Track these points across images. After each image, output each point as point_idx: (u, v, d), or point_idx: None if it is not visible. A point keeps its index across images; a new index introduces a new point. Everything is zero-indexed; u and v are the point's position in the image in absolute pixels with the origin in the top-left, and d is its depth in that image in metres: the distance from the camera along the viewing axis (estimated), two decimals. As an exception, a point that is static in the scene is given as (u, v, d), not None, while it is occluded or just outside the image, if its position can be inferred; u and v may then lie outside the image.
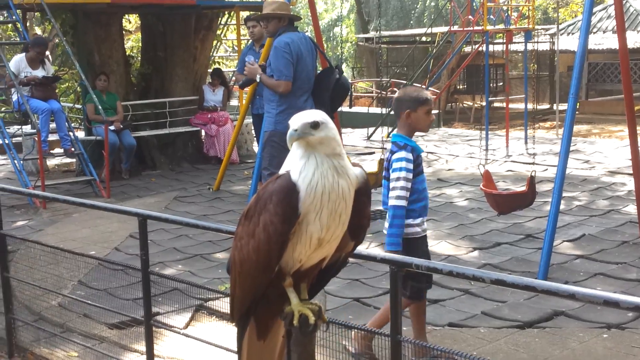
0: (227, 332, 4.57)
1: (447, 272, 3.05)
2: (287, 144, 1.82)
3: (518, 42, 17.92)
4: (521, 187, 8.04)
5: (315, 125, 1.83)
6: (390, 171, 4.35)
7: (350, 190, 1.80)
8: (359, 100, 23.11)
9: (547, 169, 10.63)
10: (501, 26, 14.23)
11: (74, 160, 11.20)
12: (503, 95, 16.62)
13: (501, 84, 21.93)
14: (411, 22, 33.66)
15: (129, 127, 10.87)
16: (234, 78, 11.12)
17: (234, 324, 1.89)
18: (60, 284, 5.78)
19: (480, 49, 15.78)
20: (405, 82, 19.16)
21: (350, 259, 5.46)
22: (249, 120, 10.55)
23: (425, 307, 4.61)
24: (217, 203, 9.12)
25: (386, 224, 4.40)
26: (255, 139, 10.59)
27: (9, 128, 10.18)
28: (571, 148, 6.42)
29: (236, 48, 13.50)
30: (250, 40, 9.68)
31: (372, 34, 24.73)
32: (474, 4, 15.42)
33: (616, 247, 6.72)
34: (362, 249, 6.73)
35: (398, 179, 4.28)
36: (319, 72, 7.18)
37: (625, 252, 6.59)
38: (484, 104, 14.33)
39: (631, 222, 7.40)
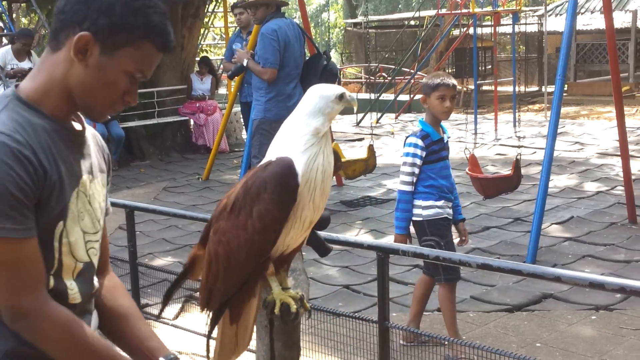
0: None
1: (433, 257, 3.07)
2: (331, 110, 1.76)
3: (506, 25, 17.90)
4: (507, 171, 8.04)
5: (341, 97, 1.80)
6: None
7: (332, 165, 1.78)
8: (348, 86, 23.04)
9: (535, 152, 10.65)
10: (489, 8, 14.22)
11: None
12: (492, 78, 16.62)
13: (490, 66, 21.93)
14: (399, 6, 33.61)
15: (117, 117, 10.83)
16: (222, 66, 11.07)
17: (207, 312, 1.87)
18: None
19: (468, 31, 15.78)
20: (393, 67, 19.14)
21: (340, 246, 5.50)
22: (237, 108, 10.52)
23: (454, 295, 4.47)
24: (206, 193, 9.10)
25: None
26: (244, 127, 10.57)
27: None
28: (560, 130, 6.46)
29: (224, 36, 13.44)
30: (238, 28, 9.65)
31: (360, 18, 24.65)
32: (461, -13, 15.38)
33: (604, 229, 6.75)
34: (351, 235, 6.76)
35: (404, 163, 4.38)
36: (307, 58, 7.17)
37: (613, 233, 6.61)
38: (472, 87, 14.34)
39: (619, 203, 7.43)
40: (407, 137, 4.47)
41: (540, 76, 21.54)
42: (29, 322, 1.62)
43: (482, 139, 12.38)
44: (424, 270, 4.59)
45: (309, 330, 4.13)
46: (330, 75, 7.04)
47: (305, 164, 1.71)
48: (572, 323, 4.76)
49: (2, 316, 1.63)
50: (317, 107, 1.76)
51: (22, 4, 12.71)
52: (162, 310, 1.90)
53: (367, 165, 8.12)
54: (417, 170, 4.34)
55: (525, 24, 21.07)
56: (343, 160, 8.16)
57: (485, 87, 19.61)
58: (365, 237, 6.85)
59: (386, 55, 23.85)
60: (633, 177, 7.05)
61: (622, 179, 7.04)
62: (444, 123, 4.53)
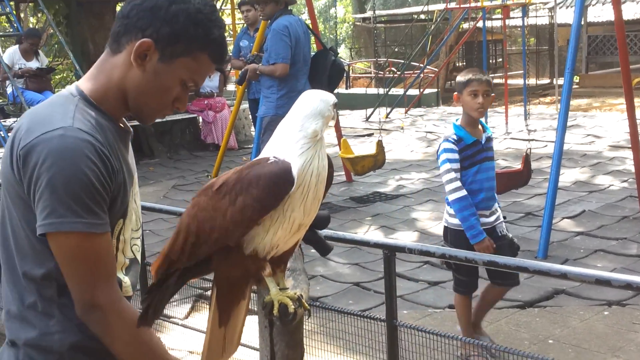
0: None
1: (439, 254, 3.04)
2: (318, 124, 1.74)
3: (516, 17, 17.78)
4: (517, 166, 7.98)
5: (335, 105, 1.81)
6: None
7: (326, 169, 1.77)
8: (357, 81, 23.01)
9: (546, 145, 10.56)
10: (498, 2, 14.12)
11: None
12: (502, 71, 16.52)
13: (500, 59, 21.80)
14: (409, 0, 33.46)
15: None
16: (229, 63, 11.06)
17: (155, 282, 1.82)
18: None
19: (477, 25, 15.69)
20: (403, 61, 19.07)
21: (349, 244, 5.46)
22: (245, 105, 10.50)
23: (469, 302, 4.30)
24: (215, 190, 9.07)
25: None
26: (252, 123, 10.54)
27: (4, 121, 10.14)
28: (571, 123, 6.38)
29: (231, 33, 13.41)
30: (245, 25, 9.63)
31: (369, 13, 24.57)
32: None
33: (616, 223, 6.68)
34: (358, 233, 6.72)
35: (443, 172, 4.12)
36: (313, 54, 7.15)
37: (625, 227, 6.55)
38: (482, 81, 14.23)
39: (631, 196, 7.35)
40: (440, 143, 4.22)
41: (552, 69, 21.42)
42: (100, 314, 1.67)
43: (492, 132, 12.28)
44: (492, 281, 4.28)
45: (317, 329, 4.11)
46: (338, 70, 7.03)
47: (301, 168, 1.70)
48: (585, 319, 4.71)
49: (75, 307, 1.68)
50: (317, 110, 1.76)
51: (29, 4, 12.71)
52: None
53: (376, 161, 8.06)
54: (457, 174, 4.05)
55: (536, 16, 20.95)
56: (352, 156, 8.12)
57: (495, 80, 19.45)
58: (375, 234, 6.82)
59: (395, 50, 23.74)
60: (645, 170, 6.97)
61: (634, 171, 6.96)
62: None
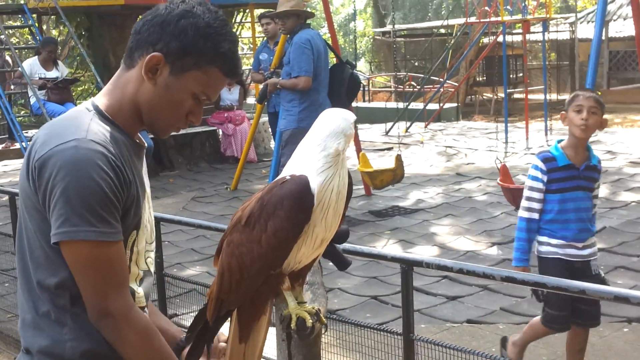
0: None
1: (457, 270, 3.03)
2: (337, 144, 1.76)
3: (537, 32, 17.76)
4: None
5: (355, 123, 1.83)
6: None
7: (346, 186, 1.79)
8: (377, 95, 23.03)
9: (567, 161, 10.49)
10: (519, 16, 14.10)
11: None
12: (522, 86, 16.47)
13: (521, 74, 21.75)
14: (429, 14, 33.51)
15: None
16: (249, 77, 11.12)
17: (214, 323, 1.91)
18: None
19: (498, 39, 15.66)
20: (422, 75, 19.08)
21: (367, 258, 5.45)
22: (265, 118, 10.54)
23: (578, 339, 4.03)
24: (235, 203, 9.11)
25: None
26: (272, 136, 10.58)
27: (26, 132, 10.24)
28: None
29: (252, 46, 13.49)
30: (265, 38, 9.68)
31: (388, 27, 24.64)
32: (491, -5, 15.28)
33: (637, 240, 6.63)
34: (377, 246, 6.71)
35: (525, 187, 3.97)
36: (331, 67, 7.19)
37: (646, 244, 6.49)
38: (503, 95, 14.21)
39: (653, 213, 7.29)
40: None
41: (572, 84, 21.33)
42: (112, 322, 1.70)
43: (512, 147, 12.25)
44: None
45: (335, 342, 4.10)
46: (356, 83, 7.07)
47: (321, 185, 1.72)
48: (604, 335, 4.67)
49: (88, 314, 1.71)
50: (340, 129, 1.79)
51: (51, 17, 12.87)
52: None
53: (395, 175, 8.07)
54: (536, 195, 3.85)
55: (557, 31, 20.91)
56: (371, 170, 8.13)
57: (516, 95, 19.44)
58: (394, 248, 6.81)
59: (415, 64, 23.78)
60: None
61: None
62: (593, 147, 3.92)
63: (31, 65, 10.17)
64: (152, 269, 1.94)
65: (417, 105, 17.10)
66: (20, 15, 12.08)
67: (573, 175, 3.84)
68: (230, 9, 12.44)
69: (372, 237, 7.17)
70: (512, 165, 9.40)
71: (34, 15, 11.47)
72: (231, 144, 11.93)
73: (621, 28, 21.27)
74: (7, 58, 12.86)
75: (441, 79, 17.88)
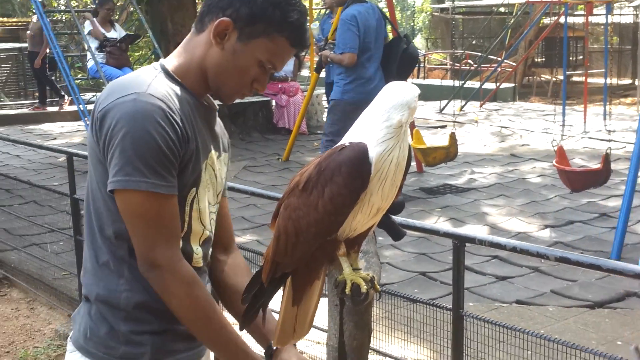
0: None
1: (510, 248, 2.98)
2: (403, 113, 1.76)
3: (599, 14, 17.30)
4: (596, 165, 7.79)
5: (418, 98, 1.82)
6: None
7: (406, 158, 1.78)
8: (432, 73, 22.79)
9: (625, 147, 10.28)
10: (582, -3, 13.76)
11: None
12: (582, 69, 16.11)
13: (581, 57, 21.26)
14: (489, -8, 32.91)
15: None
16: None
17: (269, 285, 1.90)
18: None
19: (559, 20, 15.32)
20: (480, 54, 18.80)
21: (417, 233, 5.44)
22: (319, 90, 10.54)
23: None
24: (285, 173, 9.15)
25: None
26: (325, 109, 10.58)
27: (84, 95, 10.40)
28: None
29: (308, 17, 13.46)
30: (328, 10, 9.67)
31: (447, 3, 24.27)
32: (555, -26, 14.93)
33: None
34: (428, 222, 6.69)
35: None
36: (388, 41, 7.12)
37: None
38: (562, 77, 13.94)
39: None
40: None
41: (634, 69, 20.78)
42: (159, 273, 1.74)
43: (569, 131, 12.02)
44: None
45: (383, 315, 4.11)
46: (410, 59, 6.99)
47: (380, 154, 1.71)
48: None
49: (137, 264, 1.76)
50: (405, 100, 1.76)
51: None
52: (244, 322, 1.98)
53: (449, 153, 8.00)
54: None
55: (620, 14, 20.34)
56: (424, 147, 8.07)
57: (575, 78, 19.05)
58: (444, 225, 6.76)
59: (473, 42, 23.41)
60: None
61: None
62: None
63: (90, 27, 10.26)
64: (214, 231, 1.96)
65: (473, 84, 16.88)
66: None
67: None
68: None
69: (422, 214, 7.13)
70: (568, 149, 9.22)
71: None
72: (284, 115, 11.95)
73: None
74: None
75: (499, 59, 17.60)
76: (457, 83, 14.56)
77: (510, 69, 18.02)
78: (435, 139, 10.55)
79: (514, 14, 19.48)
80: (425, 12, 33.82)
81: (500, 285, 5.31)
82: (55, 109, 14.50)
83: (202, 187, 1.85)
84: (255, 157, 10.35)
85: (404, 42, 6.93)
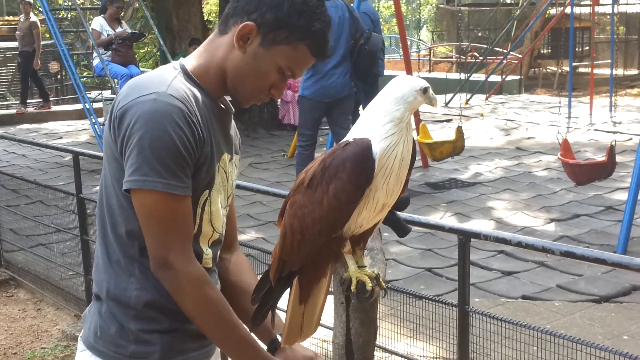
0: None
1: (515, 243, 2.98)
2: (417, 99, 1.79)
3: (605, 4, 17.22)
4: (601, 157, 7.78)
5: (425, 91, 1.84)
6: None
7: (410, 154, 1.79)
8: (438, 66, 22.74)
9: (631, 138, 10.24)
10: (587, -12, 13.71)
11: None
12: (588, 60, 16.05)
13: (587, 48, 21.18)
14: (494, -16, 32.80)
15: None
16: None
17: (276, 284, 1.93)
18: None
19: (565, 11, 15.27)
20: (486, 46, 18.74)
21: (422, 229, 5.44)
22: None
23: None
24: (291, 170, 9.15)
25: None
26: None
27: (89, 93, 10.41)
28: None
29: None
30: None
31: (453, -4, 24.22)
32: (560, -35, 14.89)
33: None
34: (434, 218, 6.69)
35: None
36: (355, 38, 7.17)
37: None
38: (567, 69, 13.88)
39: None
40: None
41: (641, 59, 20.69)
42: (171, 274, 1.75)
43: (575, 123, 11.99)
44: None
45: (389, 312, 4.12)
46: (367, 54, 7.00)
47: (384, 150, 1.73)
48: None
49: (150, 264, 1.77)
50: (400, 95, 1.79)
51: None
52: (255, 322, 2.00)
53: (455, 147, 7.99)
54: None
55: (627, 4, 20.24)
56: (430, 141, 8.06)
57: (581, 69, 18.97)
58: (450, 220, 6.76)
59: (479, 34, 23.34)
60: None
61: None
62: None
63: (101, 23, 10.27)
64: (224, 233, 1.98)
65: (478, 76, 16.84)
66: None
67: None
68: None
69: (428, 209, 7.13)
70: (574, 141, 9.20)
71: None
72: (289, 111, 11.95)
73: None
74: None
75: (505, 51, 17.54)
76: (462, 76, 14.52)
77: (516, 61, 17.96)
78: (442, 133, 10.54)
79: (519, 5, 19.40)
80: (431, 5, 33.75)
81: (506, 281, 5.31)
82: (31, 109, 14.46)
83: (215, 190, 1.87)
84: (260, 153, 10.36)
85: (363, 37, 7.00)
